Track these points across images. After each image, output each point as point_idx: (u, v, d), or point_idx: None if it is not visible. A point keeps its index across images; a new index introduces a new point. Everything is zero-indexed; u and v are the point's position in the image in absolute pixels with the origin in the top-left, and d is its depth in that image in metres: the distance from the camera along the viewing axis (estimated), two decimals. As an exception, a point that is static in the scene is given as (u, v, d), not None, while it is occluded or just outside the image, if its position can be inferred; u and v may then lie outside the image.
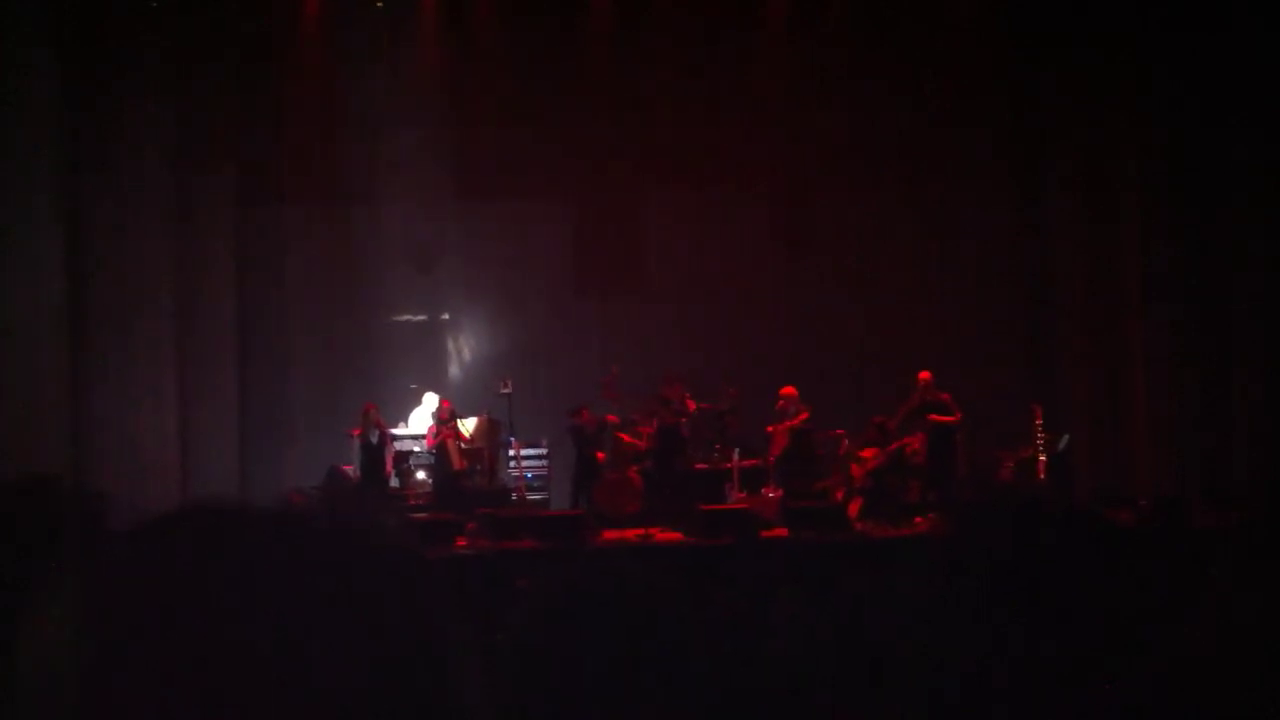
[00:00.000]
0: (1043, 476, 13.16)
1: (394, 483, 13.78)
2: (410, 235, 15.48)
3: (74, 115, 13.45)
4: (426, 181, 15.24)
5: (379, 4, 15.30)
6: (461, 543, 11.54)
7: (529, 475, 14.41)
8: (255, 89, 14.94)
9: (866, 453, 13.38)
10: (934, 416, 13.14)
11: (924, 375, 13.29)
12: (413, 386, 14.79)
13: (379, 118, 15.26)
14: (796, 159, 15.69)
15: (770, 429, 13.77)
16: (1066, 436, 13.52)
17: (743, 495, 13.45)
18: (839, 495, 13.23)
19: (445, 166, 15.41)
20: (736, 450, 13.77)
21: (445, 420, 13.72)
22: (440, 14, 15.47)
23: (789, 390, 13.88)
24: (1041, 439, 13.09)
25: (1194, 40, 13.51)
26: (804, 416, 13.72)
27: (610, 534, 12.90)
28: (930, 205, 15.50)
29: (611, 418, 13.94)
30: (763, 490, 13.41)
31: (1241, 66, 13.24)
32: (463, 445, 13.83)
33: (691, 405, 13.92)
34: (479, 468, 14.04)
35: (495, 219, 15.91)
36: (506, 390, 13.90)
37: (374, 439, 13.36)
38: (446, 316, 16.07)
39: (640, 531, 12.90)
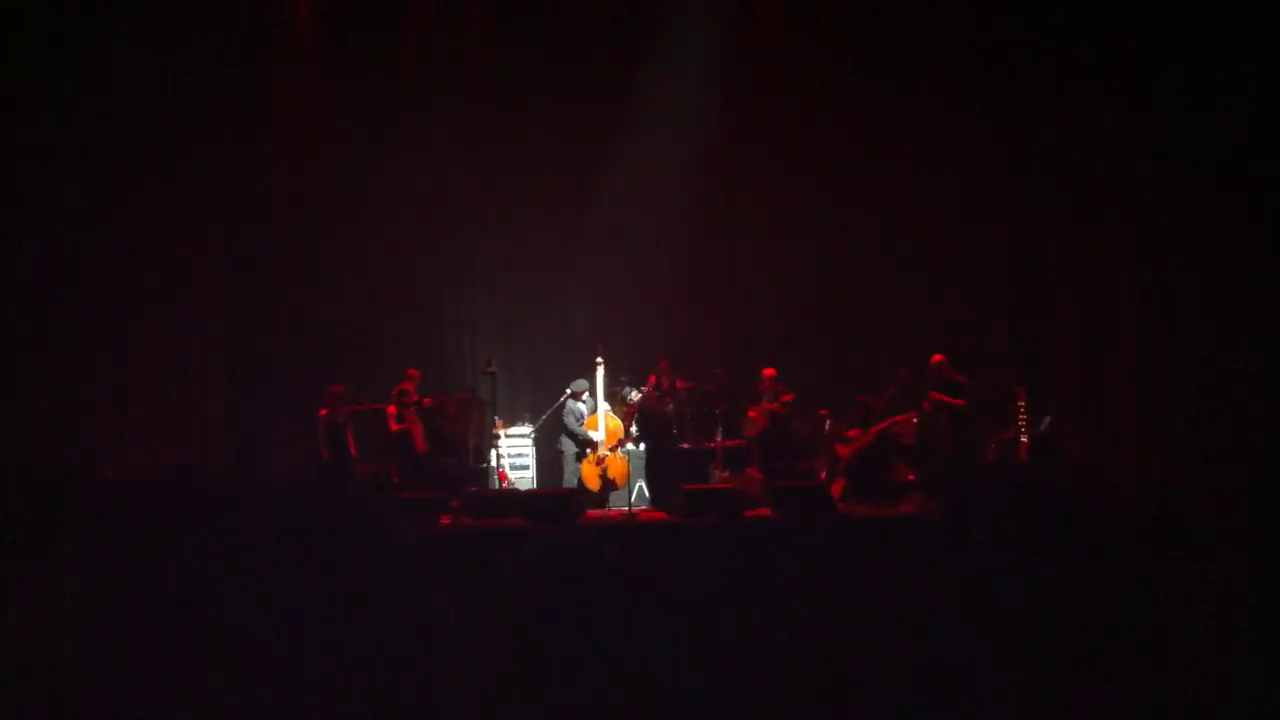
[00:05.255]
0: (1024, 458, 13.19)
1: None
2: (400, 213, 15.45)
3: (70, 109, 13.64)
4: (418, 162, 15.23)
5: None
6: (445, 521, 11.52)
7: (512, 455, 14.42)
8: (249, 78, 15.03)
9: (852, 433, 13.41)
10: (936, 394, 13.19)
11: (937, 358, 13.37)
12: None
13: (371, 100, 15.27)
14: (787, 144, 15.69)
15: (751, 411, 13.80)
16: (1048, 418, 13.54)
17: (726, 475, 13.47)
18: (822, 475, 13.24)
19: (437, 150, 15.42)
20: (720, 430, 13.79)
21: (412, 402, 13.62)
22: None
23: (769, 371, 13.98)
24: (1023, 421, 13.11)
25: (1192, 30, 13.51)
26: (788, 398, 13.78)
27: (594, 513, 12.93)
28: (919, 189, 15.49)
29: None
30: (746, 470, 13.43)
31: (1239, 58, 13.25)
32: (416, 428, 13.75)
33: (680, 385, 13.99)
34: (455, 445, 13.99)
35: (486, 198, 15.91)
36: (490, 370, 13.87)
37: (340, 420, 13.36)
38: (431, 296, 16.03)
39: (624, 511, 12.93)
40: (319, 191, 15.38)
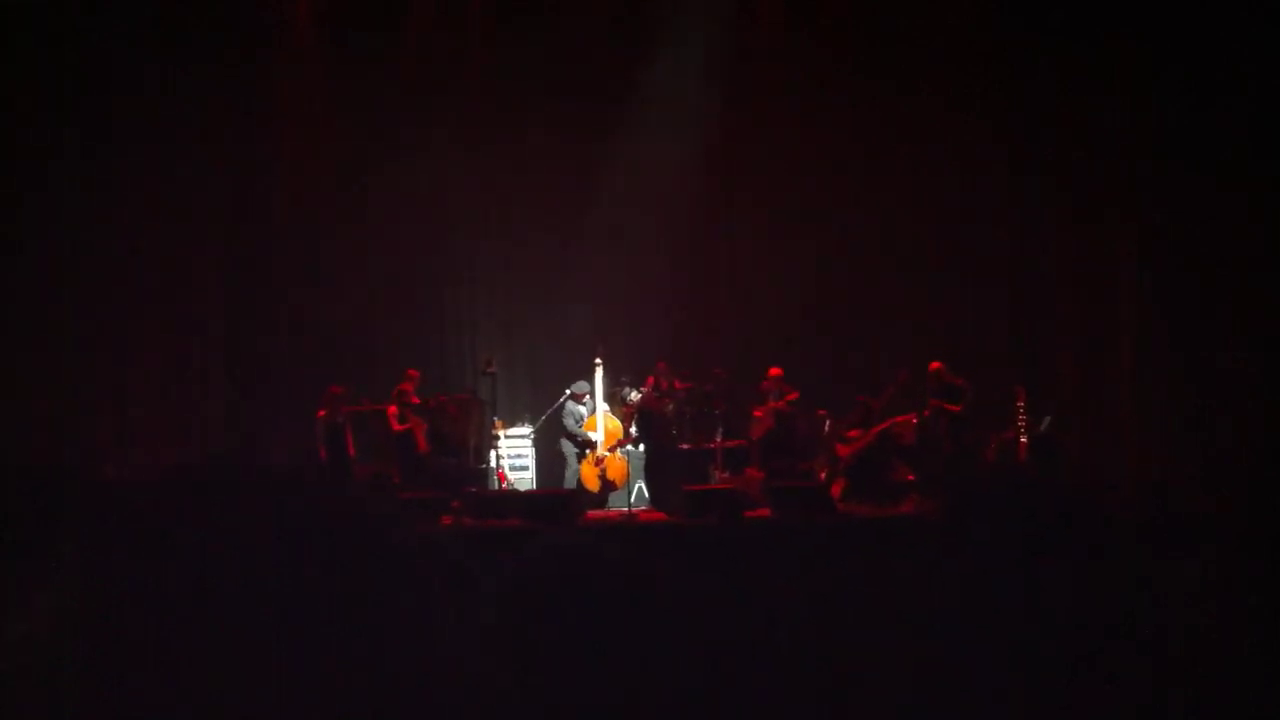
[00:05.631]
0: (1024, 458, 13.18)
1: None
2: (400, 214, 15.47)
3: (70, 109, 13.71)
4: (418, 162, 15.25)
5: None
6: (446, 521, 11.52)
7: (512, 456, 14.43)
8: (249, 78, 15.07)
9: (852, 433, 13.40)
10: (936, 401, 13.19)
11: (935, 365, 13.38)
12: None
13: (371, 100, 15.30)
14: (787, 144, 15.68)
15: (757, 411, 13.78)
16: (1048, 418, 13.54)
17: (726, 475, 13.47)
18: (822, 475, 13.23)
19: (437, 150, 15.44)
20: (720, 430, 13.78)
21: (418, 404, 13.65)
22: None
23: (776, 371, 13.97)
24: (1023, 421, 13.11)
25: (1192, 30, 13.50)
26: (792, 397, 13.78)
27: (594, 514, 12.93)
28: (919, 189, 15.47)
29: None
30: (746, 471, 13.42)
31: (1239, 58, 13.24)
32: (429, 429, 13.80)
33: (678, 385, 14.00)
34: (455, 446, 14.01)
35: (486, 198, 15.92)
36: (490, 370, 13.87)
37: (339, 420, 13.38)
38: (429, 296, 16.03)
39: (624, 511, 12.92)
40: (319, 191, 15.39)
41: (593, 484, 13.71)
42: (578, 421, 13.90)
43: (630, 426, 13.87)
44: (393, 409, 13.54)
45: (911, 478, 12.98)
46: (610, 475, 13.77)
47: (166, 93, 14.37)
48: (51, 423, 13.20)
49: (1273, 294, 13.22)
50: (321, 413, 13.38)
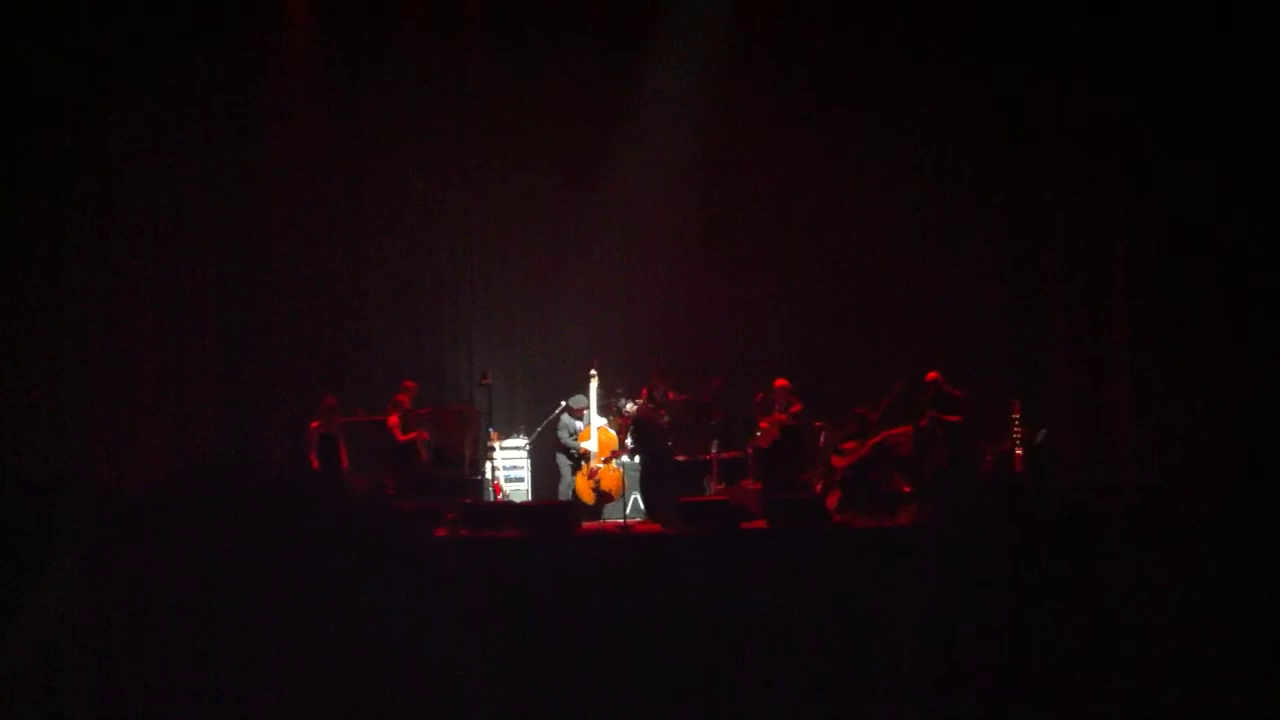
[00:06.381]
0: (1019, 470, 13.17)
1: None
2: (398, 222, 15.49)
3: (70, 110, 13.71)
4: (418, 170, 15.28)
5: None
6: (440, 533, 11.48)
7: (507, 467, 14.40)
8: (249, 81, 15.05)
9: (848, 445, 13.38)
10: (932, 411, 13.17)
11: (932, 374, 13.35)
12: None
13: (371, 108, 15.32)
14: (782, 155, 15.68)
15: (763, 422, 13.70)
16: (1043, 431, 13.54)
17: (721, 487, 13.44)
18: (818, 487, 13.21)
19: (436, 159, 15.48)
20: (716, 442, 13.74)
21: (415, 413, 13.67)
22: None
23: (781, 382, 13.85)
24: (1018, 433, 13.10)
25: (1192, 29, 13.55)
26: (796, 409, 13.69)
27: (589, 525, 12.91)
28: (915, 200, 15.48)
29: None
30: (741, 482, 13.39)
31: (1239, 59, 13.27)
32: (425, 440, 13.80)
33: (673, 396, 13.97)
34: (452, 457, 13.99)
35: (485, 206, 15.91)
36: (486, 382, 13.86)
37: (332, 431, 13.35)
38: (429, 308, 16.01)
39: (619, 523, 12.91)
40: (318, 200, 15.38)
41: (587, 495, 13.69)
42: (572, 434, 13.87)
43: (626, 438, 13.85)
44: (394, 419, 13.56)
45: (908, 489, 12.95)
46: (605, 486, 13.74)
47: (166, 93, 14.33)
48: (50, 424, 13.19)
49: (1273, 294, 13.23)
50: (315, 423, 13.38)
